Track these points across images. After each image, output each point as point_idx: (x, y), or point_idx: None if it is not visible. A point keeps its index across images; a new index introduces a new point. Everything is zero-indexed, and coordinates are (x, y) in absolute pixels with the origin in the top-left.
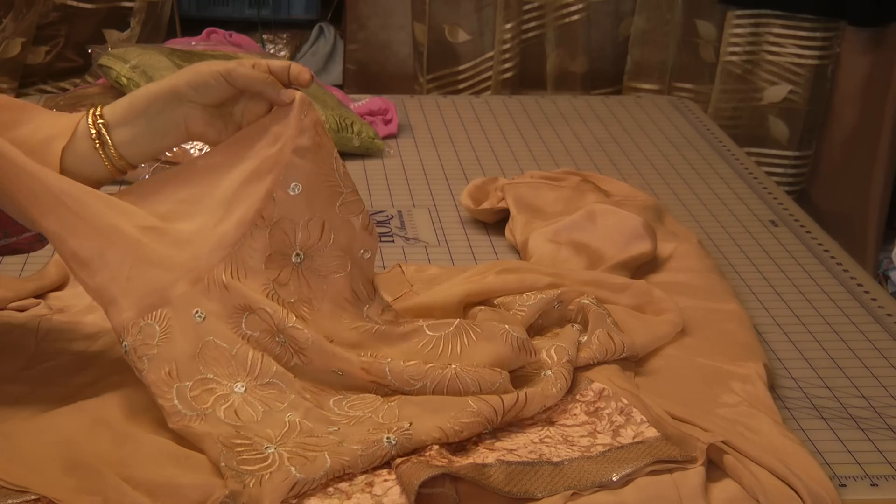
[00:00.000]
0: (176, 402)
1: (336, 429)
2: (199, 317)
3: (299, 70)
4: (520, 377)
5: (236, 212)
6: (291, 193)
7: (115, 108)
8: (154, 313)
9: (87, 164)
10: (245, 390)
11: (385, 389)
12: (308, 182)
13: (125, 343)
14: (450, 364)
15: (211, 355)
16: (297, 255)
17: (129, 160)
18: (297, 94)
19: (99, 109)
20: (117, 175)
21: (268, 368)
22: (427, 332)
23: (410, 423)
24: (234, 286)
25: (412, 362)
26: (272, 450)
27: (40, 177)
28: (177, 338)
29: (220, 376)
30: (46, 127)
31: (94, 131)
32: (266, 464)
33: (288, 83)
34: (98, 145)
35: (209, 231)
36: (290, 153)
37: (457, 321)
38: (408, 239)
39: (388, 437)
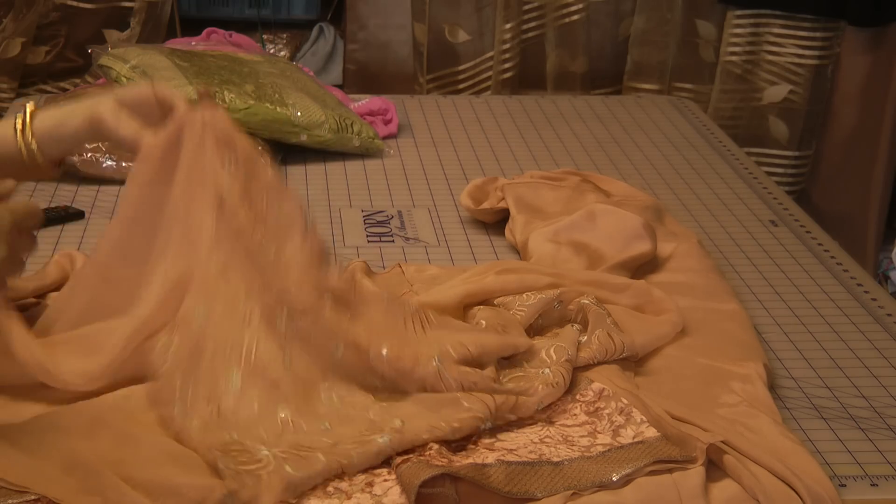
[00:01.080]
0: (177, 396)
1: (327, 426)
2: None
3: None
4: (519, 377)
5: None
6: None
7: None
8: None
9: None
10: (241, 385)
11: (375, 379)
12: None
13: None
14: (432, 361)
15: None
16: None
17: (44, 152)
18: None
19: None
20: (31, 174)
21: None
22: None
23: (403, 422)
24: None
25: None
26: (266, 452)
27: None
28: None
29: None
30: None
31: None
32: (262, 464)
33: None
34: (20, 127)
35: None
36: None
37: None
38: (408, 239)
39: (381, 437)
